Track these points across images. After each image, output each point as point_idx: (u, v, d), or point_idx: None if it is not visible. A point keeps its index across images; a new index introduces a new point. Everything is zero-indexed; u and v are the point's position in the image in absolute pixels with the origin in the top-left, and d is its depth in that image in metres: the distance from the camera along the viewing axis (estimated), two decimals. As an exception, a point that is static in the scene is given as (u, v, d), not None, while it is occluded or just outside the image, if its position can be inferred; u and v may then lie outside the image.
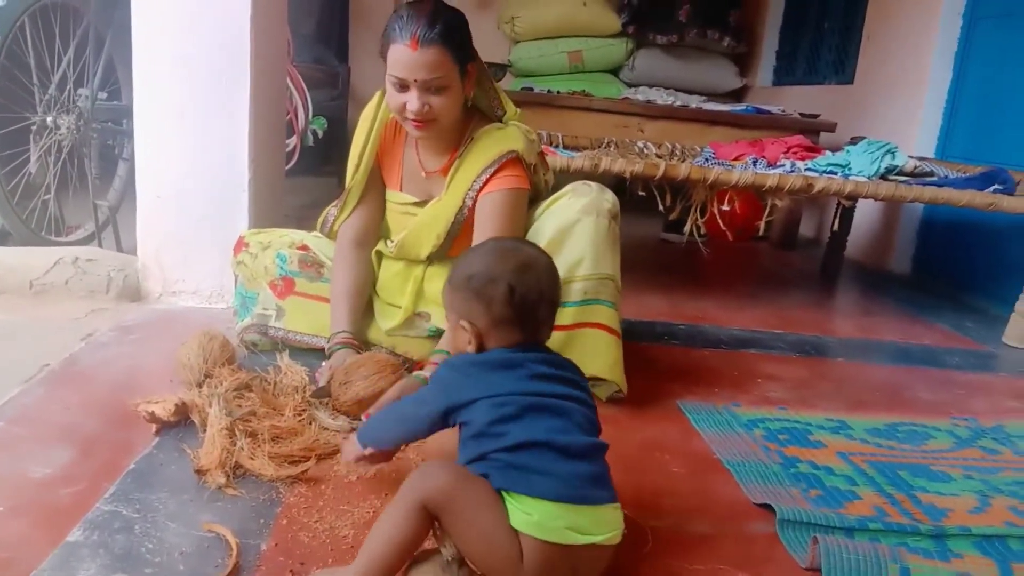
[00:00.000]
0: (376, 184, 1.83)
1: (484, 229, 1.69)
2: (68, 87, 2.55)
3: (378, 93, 1.76)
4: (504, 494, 1.01)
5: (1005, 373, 2.28)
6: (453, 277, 1.15)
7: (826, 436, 1.66)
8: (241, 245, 1.88)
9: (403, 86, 1.57)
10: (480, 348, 1.12)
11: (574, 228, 1.67)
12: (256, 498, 1.23)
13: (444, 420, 1.11)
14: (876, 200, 2.52)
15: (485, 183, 1.69)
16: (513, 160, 1.69)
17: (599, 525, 1.01)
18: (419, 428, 1.15)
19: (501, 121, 1.76)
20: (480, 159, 1.69)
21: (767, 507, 1.32)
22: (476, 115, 1.76)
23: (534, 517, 0.98)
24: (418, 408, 1.14)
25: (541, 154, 1.82)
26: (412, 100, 1.57)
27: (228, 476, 1.25)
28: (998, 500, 1.42)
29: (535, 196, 1.81)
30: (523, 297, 1.10)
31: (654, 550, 1.16)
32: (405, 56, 1.54)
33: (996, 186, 2.46)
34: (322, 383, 1.57)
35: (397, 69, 1.56)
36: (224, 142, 2.12)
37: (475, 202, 1.71)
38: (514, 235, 1.72)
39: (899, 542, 1.22)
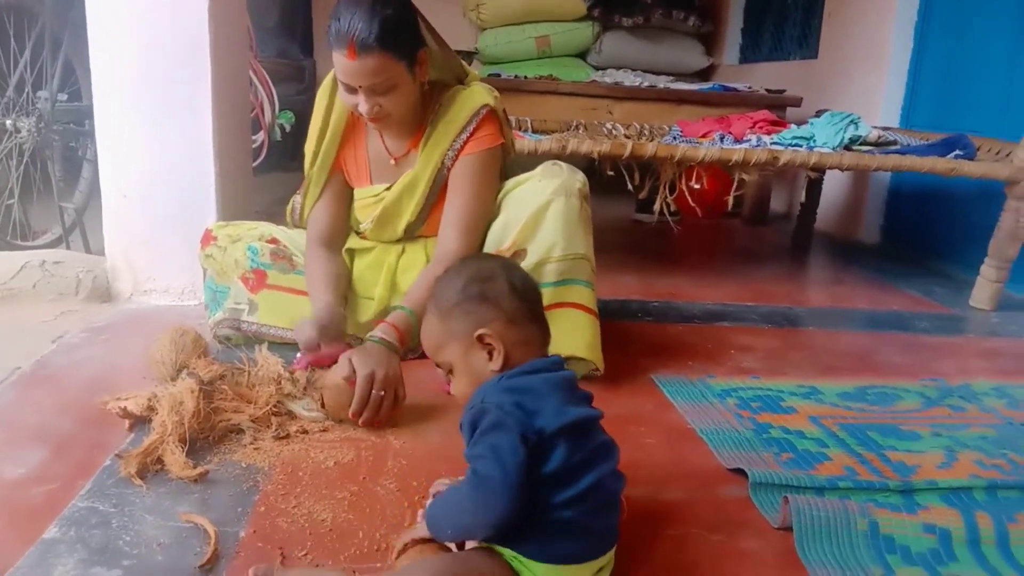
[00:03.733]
0: (338, 184, 1.83)
1: (464, 190, 1.72)
2: (26, 89, 2.52)
3: (329, 76, 1.75)
4: (522, 560, 0.92)
5: (972, 334, 2.33)
6: (440, 304, 1.02)
7: (797, 402, 1.69)
8: (209, 238, 1.87)
9: (351, 89, 1.58)
10: (506, 361, 0.99)
11: (546, 211, 1.68)
12: (234, 487, 1.23)
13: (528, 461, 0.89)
14: (841, 170, 2.55)
15: (465, 143, 1.71)
16: (488, 115, 1.72)
17: (608, 563, 0.98)
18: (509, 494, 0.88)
19: (463, 84, 1.77)
20: (454, 120, 1.71)
21: (740, 472, 1.34)
22: (436, 88, 1.76)
23: None
24: (497, 458, 0.88)
25: (504, 111, 1.82)
26: (362, 103, 1.58)
27: (140, 468, 1.24)
28: (964, 455, 1.46)
29: (504, 155, 1.82)
30: (524, 286, 1.02)
31: (629, 518, 1.17)
32: (345, 65, 1.53)
33: (957, 152, 2.50)
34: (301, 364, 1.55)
35: (341, 75, 1.56)
36: (188, 138, 2.10)
37: (454, 163, 1.72)
38: (494, 194, 1.76)
39: (868, 499, 1.24)
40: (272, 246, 1.86)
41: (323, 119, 1.77)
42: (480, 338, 0.99)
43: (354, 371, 1.42)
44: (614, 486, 0.99)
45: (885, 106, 3.51)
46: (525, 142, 2.38)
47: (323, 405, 1.46)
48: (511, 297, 1.00)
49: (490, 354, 0.99)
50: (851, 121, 2.62)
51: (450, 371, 1.04)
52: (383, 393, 1.43)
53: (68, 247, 2.55)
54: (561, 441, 0.91)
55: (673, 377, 1.80)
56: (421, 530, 1.00)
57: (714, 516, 1.22)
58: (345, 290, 1.82)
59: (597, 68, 4.85)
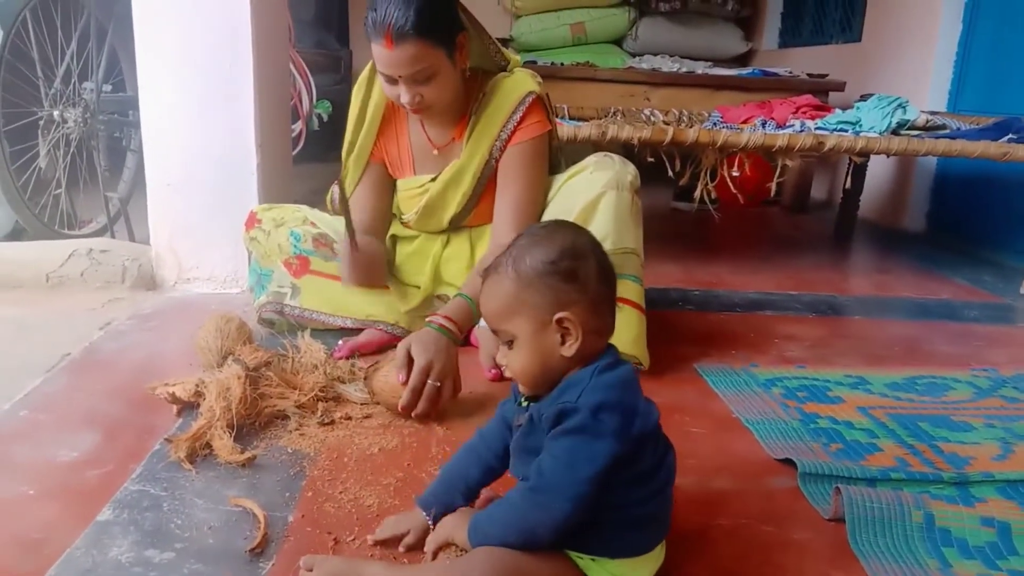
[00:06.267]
0: (377, 175, 1.82)
1: (516, 180, 1.70)
2: (73, 80, 2.56)
3: (367, 67, 1.75)
4: (589, 560, 0.90)
5: (1024, 324, 2.27)
6: (521, 267, 0.91)
7: (845, 392, 1.65)
8: (253, 221, 1.88)
9: (391, 80, 1.56)
10: (582, 347, 0.90)
11: (598, 204, 1.66)
12: (281, 472, 1.24)
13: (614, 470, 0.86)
14: (888, 156, 2.49)
15: (513, 132, 1.69)
16: (535, 102, 1.70)
17: (661, 548, 0.98)
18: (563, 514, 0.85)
19: (505, 71, 1.75)
20: (500, 109, 1.69)
21: (788, 462, 1.32)
22: (479, 75, 1.74)
23: None
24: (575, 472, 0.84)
25: (548, 96, 1.80)
26: (403, 93, 1.56)
27: (190, 453, 1.25)
28: (1020, 446, 1.42)
29: (550, 141, 1.80)
30: (608, 270, 0.95)
31: (678, 509, 1.15)
32: (383, 55, 1.51)
33: (1010, 135, 2.43)
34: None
35: (380, 65, 1.55)
36: (231, 128, 2.12)
37: (503, 152, 1.71)
38: (544, 181, 1.75)
39: (922, 490, 1.21)
40: (315, 230, 1.87)
41: (359, 110, 1.77)
42: (559, 321, 0.89)
43: (410, 359, 1.40)
44: (672, 475, 0.99)
45: (932, 89, 3.42)
46: (564, 128, 2.36)
47: (376, 399, 1.46)
48: (598, 281, 0.92)
49: (563, 338, 0.90)
50: (899, 105, 2.56)
51: (509, 342, 0.93)
52: (439, 384, 1.40)
53: (113, 236, 2.59)
54: (650, 441, 0.91)
55: (716, 366, 1.77)
56: (445, 533, 0.99)
57: (764, 507, 1.20)
58: (387, 267, 1.83)
59: (633, 55, 4.80)
